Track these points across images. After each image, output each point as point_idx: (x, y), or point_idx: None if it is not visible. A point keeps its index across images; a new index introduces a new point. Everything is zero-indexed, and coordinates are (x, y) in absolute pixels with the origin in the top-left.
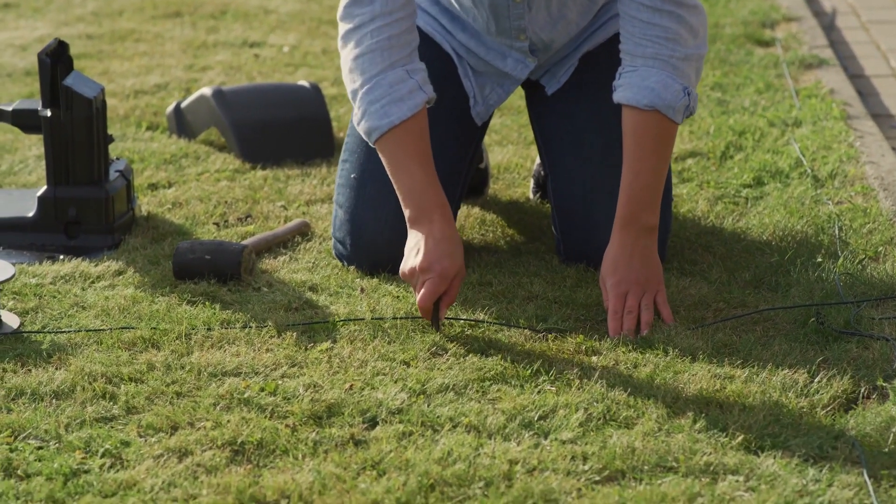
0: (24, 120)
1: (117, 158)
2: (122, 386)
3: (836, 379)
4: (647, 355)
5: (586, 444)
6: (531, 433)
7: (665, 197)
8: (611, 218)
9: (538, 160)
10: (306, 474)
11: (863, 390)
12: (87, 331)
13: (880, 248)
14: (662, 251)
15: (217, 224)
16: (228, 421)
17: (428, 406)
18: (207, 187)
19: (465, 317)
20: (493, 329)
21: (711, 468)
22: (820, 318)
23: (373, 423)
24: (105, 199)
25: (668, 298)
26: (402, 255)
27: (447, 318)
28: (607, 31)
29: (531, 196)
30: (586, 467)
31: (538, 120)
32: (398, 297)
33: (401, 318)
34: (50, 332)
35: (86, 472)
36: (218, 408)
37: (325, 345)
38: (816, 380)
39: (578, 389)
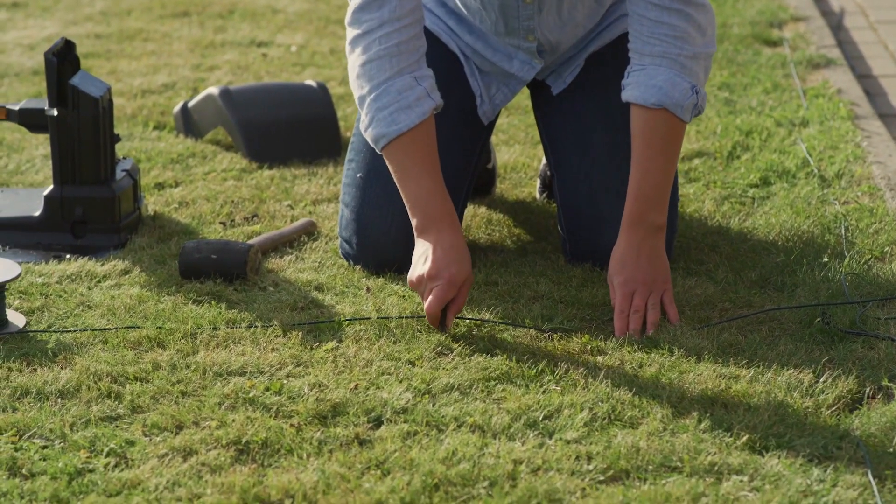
0: (30, 119)
1: (124, 158)
2: (128, 385)
3: (841, 379)
4: (653, 355)
5: (591, 443)
6: (536, 433)
7: (672, 197)
8: (617, 217)
9: (545, 160)
10: (311, 474)
11: (868, 390)
12: (93, 330)
13: (886, 249)
14: (669, 251)
15: (223, 223)
16: (233, 420)
17: (433, 406)
18: (214, 187)
19: (470, 316)
20: (498, 329)
21: (716, 468)
22: (825, 318)
23: (378, 422)
24: (111, 199)
25: (675, 298)
26: (408, 254)
27: (461, 318)
28: (613, 31)
29: (537, 196)
30: (591, 467)
31: (544, 120)
32: (404, 296)
33: (406, 318)
34: (55, 332)
35: (90, 471)
36: (223, 407)
37: (331, 344)
38: (822, 380)
39: (583, 389)
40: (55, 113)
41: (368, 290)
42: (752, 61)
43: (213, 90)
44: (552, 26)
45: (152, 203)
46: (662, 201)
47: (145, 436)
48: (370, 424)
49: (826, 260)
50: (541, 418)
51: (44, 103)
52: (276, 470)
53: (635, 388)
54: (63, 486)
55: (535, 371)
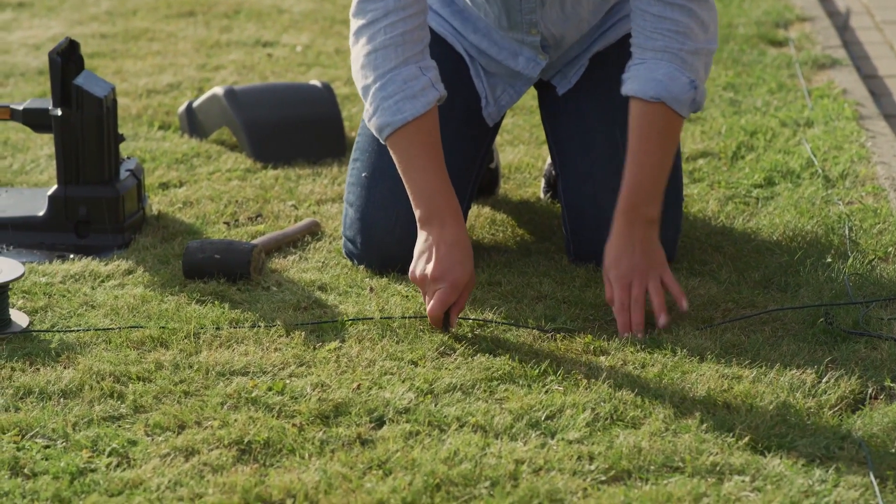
0: (34, 119)
1: (128, 157)
2: (130, 385)
3: (843, 379)
4: (655, 355)
5: (593, 443)
6: (538, 433)
7: (675, 197)
8: None
9: (549, 160)
10: (312, 474)
11: (870, 391)
12: (96, 330)
13: (890, 249)
14: (672, 251)
15: (228, 223)
16: (236, 420)
17: (435, 406)
18: (218, 186)
19: (473, 316)
20: (501, 329)
21: (718, 468)
22: (829, 318)
23: (380, 422)
24: (115, 199)
25: None
26: (412, 254)
27: (464, 318)
28: (618, 31)
29: (542, 196)
30: (592, 467)
31: (549, 120)
32: (407, 296)
33: (409, 318)
34: (58, 331)
35: (92, 470)
36: (225, 407)
37: (334, 344)
38: (824, 380)
39: (586, 389)
40: (59, 113)
41: (372, 290)
42: (758, 61)
43: (218, 90)
44: (555, 20)
45: (156, 203)
46: (657, 194)
47: (147, 435)
48: (372, 424)
49: (829, 260)
50: (543, 418)
51: (48, 103)
52: (277, 470)
53: (638, 388)
54: (65, 485)
55: (537, 371)
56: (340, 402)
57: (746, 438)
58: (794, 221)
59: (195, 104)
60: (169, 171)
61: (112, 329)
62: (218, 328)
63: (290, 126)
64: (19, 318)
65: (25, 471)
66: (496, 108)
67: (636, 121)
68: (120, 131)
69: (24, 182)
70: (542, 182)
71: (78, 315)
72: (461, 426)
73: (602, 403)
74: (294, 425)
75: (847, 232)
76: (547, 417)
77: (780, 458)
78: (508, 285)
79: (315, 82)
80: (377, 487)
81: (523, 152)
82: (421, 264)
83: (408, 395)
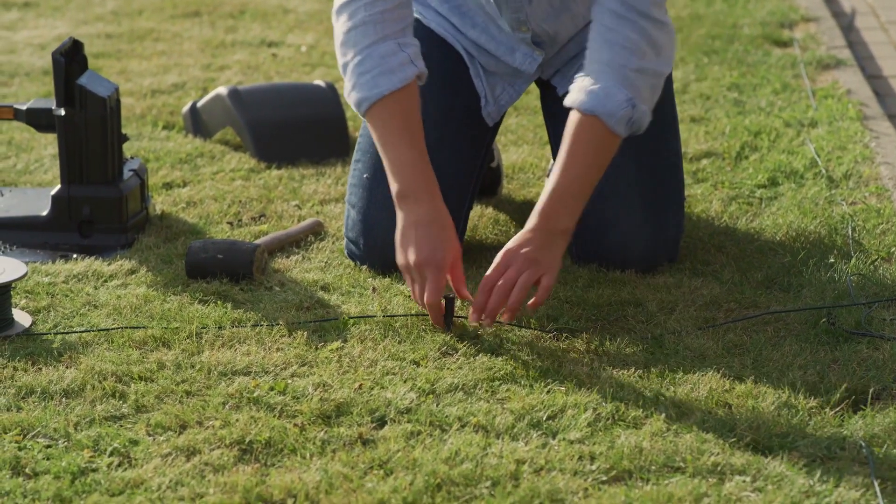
0: (38, 119)
1: (131, 157)
2: (132, 385)
3: (845, 380)
4: (657, 355)
5: (594, 444)
6: (539, 433)
7: (677, 197)
8: (621, 219)
9: (553, 160)
10: (313, 473)
11: (872, 391)
12: (98, 330)
13: (893, 249)
14: (675, 251)
15: (231, 223)
16: (237, 420)
17: (437, 406)
18: (222, 186)
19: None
20: (503, 329)
21: (719, 468)
22: (831, 318)
23: (381, 422)
24: (119, 199)
25: (680, 299)
26: None
27: (457, 317)
28: None
29: None
30: (593, 467)
31: (551, 119)
32: (409, 296)
33: (411, 316)
34: (60, 333)
35: (93, 470)
36: (227, 407)
37: (336, 344)
38: (826, 380)
39: (587, 389)
40: (62, 113)
41: (374, 290)
42: (762, 62)
43: (222, 90)
44: (545, 15)
45: (160, 203)
46: (575, 208)
47: (149, 435)
48: (374, 424)
49: (832, 260)
50: (544, 418)
51: (51, 103)
52: (278, 470)
53: (639, 388)
54: (66, 485)
55: (539, 371)
56: (342, 402)
57: (748, 439)
58: (797, 222)
59: (199, 104)
60: (173, 170)
61: (114, 329)
62: (220, 328)
63: (293, 126)
64: (22, 318)
65: (27, 470)
66: (496, 108)
67: (569, 130)
68: (124, 131)
69: (28, 182)
70: (546, 182)
71: (80, 315)
72: (462, 426)
73: (603, 403)
74: (295, 425)
75: (850, 232)
76: (548, 417)
77: (782, 458)
78: None
79: (319, 82)
80: (378, 487)
81: (527, 152)
82: (403, 252)
83: (409, 395)
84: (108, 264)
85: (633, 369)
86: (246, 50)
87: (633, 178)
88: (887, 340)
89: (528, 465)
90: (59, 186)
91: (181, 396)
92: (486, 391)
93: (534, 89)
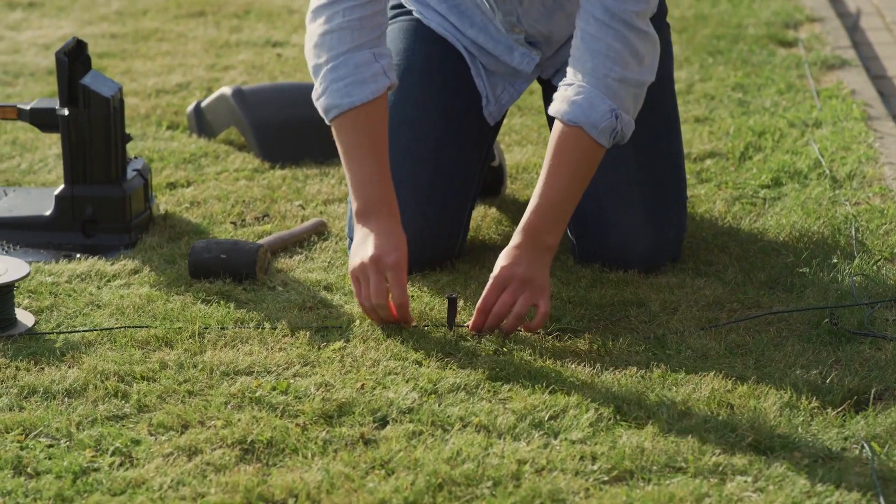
0: (41, 119)
1: (135, 157)
2: (135, 384)
3: (847, 380)
4: (660, 355)
5: (596, 444)
6: (541, 433)
7: (680, 197)
8: (622, 219)
9: None
10: (315, 473)
11: (874, 391)
12: (101, 330)
13: None
14: (678, 251)
15: (234, 223)
16: (239, 420)
17: (439, 406)
18: (226, 186)
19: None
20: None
21: (720, 468)
22: (834, 319)
23: (383, 422)
24: (122, 198)
25: (683, 299)
26: (417, 255)
27: (458, 325)
28: None
29: None
30: (595, 467)
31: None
32: (412, 296)
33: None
34: (63, 332)
35: (95, 470)
36: (229, 406)
37: (338, 344)
38: (828, 381)
39: (590, 389)
40: (66, 112)
41: None
42: (767, 62)
43: (226, 90)
44: (538, 16)
45: (164, 202)
46: (559, 222)
47: (151, 435)
48: (376, 424)
49: (835, 261)
50: (546, 418)
51: (55, 103)
52: (280, 469)
53: (641, 388)
54: (67, 484)
55: (541, 371)
56: (344, 402)
57: (749, 439)
58: (800, 222)
59: (203, 104)
60: (177, 170)
61: (116, 329)
62: (223, 328)
63: (297, 126)
64: (25, 318)
65: (28, 470)
66: (497, 107)
67: (553, 141)
68: (128, 131)
69: (32, 181)
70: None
71: (83, 314)
72: (464, 426)
73: (605, 403)
74: (297, 425)
75: (854, 233)
76: (550, 417)
77: (783, 458)
78: None
79: None
80: (379, 487)
81: (531, 152)
82: (358, 255)
83: (411, 395)
84: (112, 264)
85: (635, 369)
86: (250, 50)
87: (635, 179)
88: (890, 341)
89: (529, 465)
90: (62, 186)
91: (183, 396)
92: (489, 391)
93: (538, 89)
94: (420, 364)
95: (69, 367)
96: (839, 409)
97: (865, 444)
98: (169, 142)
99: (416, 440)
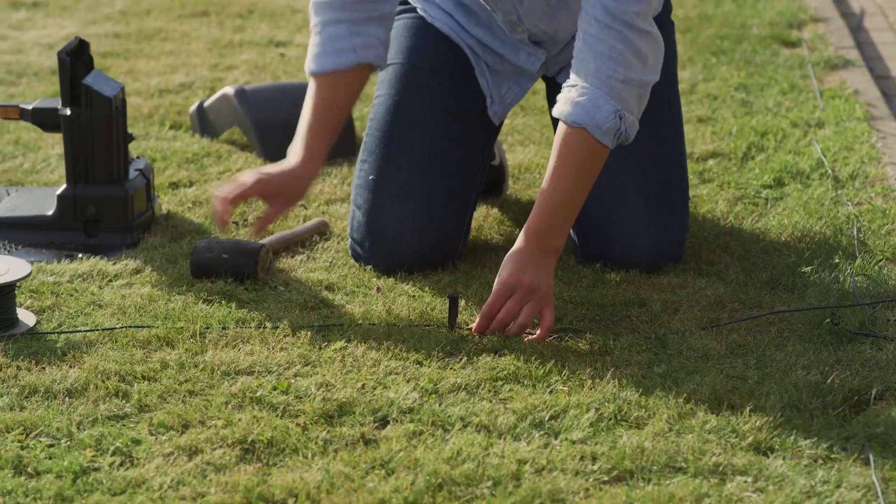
0: (43, 118)
1: (137, 157)
2: (136, 384)
3: (848, 380)
4: (661, 355)
5: (596, 444)
6: (541, 433)
7: (682, 197)
8: (624, 218)
9: None
10: (315, 473)
11: (875, 391)
12: (102, 330)
13: None
14: (680, 251)
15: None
16: (240, 420)
17: (439, 406)
18: None
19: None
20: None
21: (720, 469)
22: (835, 319)
23: (384, 422)
24: (124, 198)
25: (684, 299)
26: (420, 256)
27: (459, 326)
28: None
29: None
30: (595, 467)
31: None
32: (414, 296)
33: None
34: (64, 332)
35: (95, 469)
36: (230, 406)
37: (340, 343)
38: (829, 381)
39: (590, 389)
40: (68, 112)
41: (379, 290)
42: (770, 62)
43: (229, 90)
44: (541, 15)
45: (166, 202)
46: (564, 224)
47: (151, 435)
48: (376, 424)
49: (837, 261)
50: (547, 418)
51: (57, 103)
52: (280, 469)
53: (642, 388)
54: (68, 484)
55: (542, 371)
56: (345, 402)
57: (750, 439)
58: (802, 222)
59: (206, 104)
60: (179, 170)
61: (118, 329)
62: (224, 328)
63: None
64: (26, 317)
65: (29, 469)
66: (501, 107)
67: (557, 144)
68: (131, 131)
69: (34, 181)
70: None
71: (85, 314)
72: (465, 426)
73: (606, 404)
74: (298, 425)
75: (855, 233)
76: (551, 417)
77: (783, 458)
78: None
79: None
80: (379, 487)
81: (533, 152)
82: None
83: (412, 395)
84: (113, 264)
85: (636, 369)
86: (254, 50)
87: (638, 179)
88: (891, 341)
89: (529, 465)
90: (64, 186)
91: (184, 396)
92: (489, 391)
93: (540, 89)
94: (421, 364)
95: (70, 367)
96: (839, 410)
97: (865, 444)
98: (172, 141)
99: (417, 440)
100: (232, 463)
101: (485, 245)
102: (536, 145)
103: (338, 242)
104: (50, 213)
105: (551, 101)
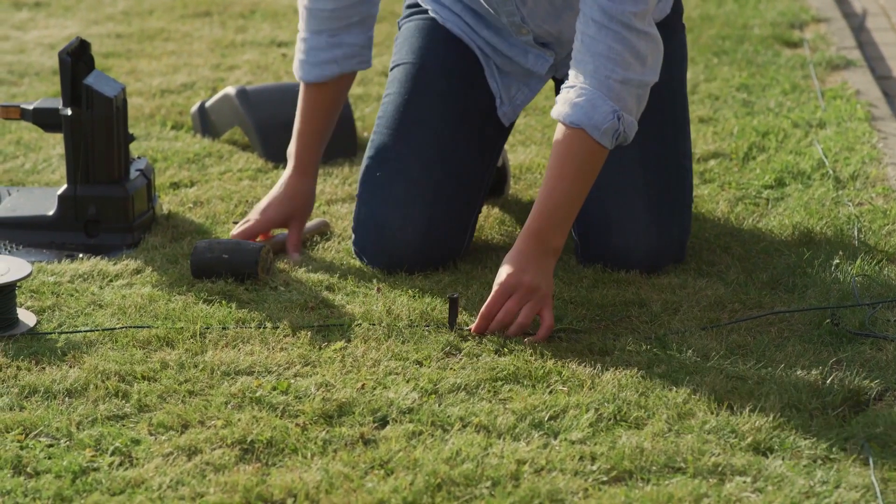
0: (44, 119)
1: (138, 157)
2: (135, 384)
3: (848, 380)
4: (660, 356)
5: (595, 444)
6: (541, 433)
7: (685, 199)
8: (624, 219)
9: None
10: (314, 473)
11: (874, 392)
12: (103, 330)
13: None
14: (681, 252)
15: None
16: (239, 420)
17: (439, 406)
18: (229, 186)
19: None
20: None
21: (719, 469)
22: (835, 319)
23: (383, 422)
24: (125, 198)
25: (684, 299)
26: (422, 255)
27: (459, 326)
28: None
29: None
30: (594, 467)
31: None
32: (414, 296)
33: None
34: (64, 332)
35: (95, 469)
36: (229, 406)
37: (339, 344)
38: (829, 381)
39: (590, 390)
40: (69, 112)
41: (379, 290)
42: (772, 62)
43: (230, 90)
44: (545, 16)
45: (167, 202)
46: (564, 225)
47: (151, 435)
48: (376, 424)
49: (838, 261)
50: (546, 419)
51: (58, 103)
52: (279, 469)
53: (642, 388)
54: (67, 484)
55: (542, 371)
56: (344, 402)
57: (749, 439)
58: (803, 222)
59: (208, 104)
60: (180, 170)
61: (118, 329)
62: (224, 328)
63: None
64: (27, 317)
65: (28, 469)
66: (511, 108)
67: (556, 145)
68: (132, 131)
69: (36, 181)
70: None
71: (85, 314)
72: (464, 426)
73: (606, 404)
74: (297, 425)
75: (856, 233)
76: (550, 418)
77: (783, 458)
78: None
79: None
80: (378, 487)
81: (535, 152)
82: (265, 198)
83: (412, 395)
84: (114, 264)
85: (635, 369)
86: (256, 50)
87: (639, 180)
88: (891, 341)
89: (528, 466)
90: (65, 186)
91: (184, 396)
92: (489, 391)
93: (544, 89)
94: (420, 364)
95: (70, 367)
96: (839, 410)
97: (865, 445)
98: (173, 142)
99: (416, 440)
100: (231, 463)
101: (485, 245)
102: (538, 145)
103: (338, 242)
104: (51, 213)
105: None
